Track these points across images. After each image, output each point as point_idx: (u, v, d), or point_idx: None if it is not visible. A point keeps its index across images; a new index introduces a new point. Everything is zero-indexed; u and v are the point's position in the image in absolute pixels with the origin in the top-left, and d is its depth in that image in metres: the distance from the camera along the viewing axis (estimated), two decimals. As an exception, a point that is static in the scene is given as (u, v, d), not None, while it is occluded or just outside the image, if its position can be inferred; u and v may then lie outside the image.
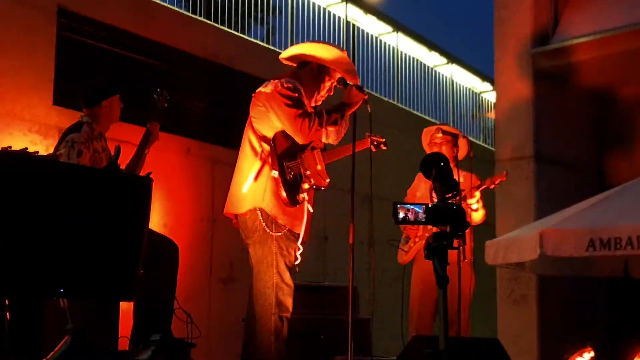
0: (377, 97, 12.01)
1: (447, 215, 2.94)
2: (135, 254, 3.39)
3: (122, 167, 5.08)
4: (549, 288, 8.73)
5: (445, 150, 5.85)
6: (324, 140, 4.56)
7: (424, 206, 3.00)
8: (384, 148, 4.99)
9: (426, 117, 13.11)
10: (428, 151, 5.99)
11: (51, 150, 6.52)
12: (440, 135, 5.88)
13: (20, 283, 3.15)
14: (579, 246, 6.73)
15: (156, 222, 7.56)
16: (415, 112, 13.03)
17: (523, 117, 9.19)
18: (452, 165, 5.85)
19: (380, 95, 12.40)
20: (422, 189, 5.94)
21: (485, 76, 15.32)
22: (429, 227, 5.54)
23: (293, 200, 4.36)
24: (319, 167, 4.49)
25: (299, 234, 4.40)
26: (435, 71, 14.37)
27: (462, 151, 5.96)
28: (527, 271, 8.37)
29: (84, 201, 3.20)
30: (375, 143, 4.92)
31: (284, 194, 4.33)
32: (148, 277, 4.75)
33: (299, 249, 4.43)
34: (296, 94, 4.40)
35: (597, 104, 9.96)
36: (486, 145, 14.48)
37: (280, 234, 4.34)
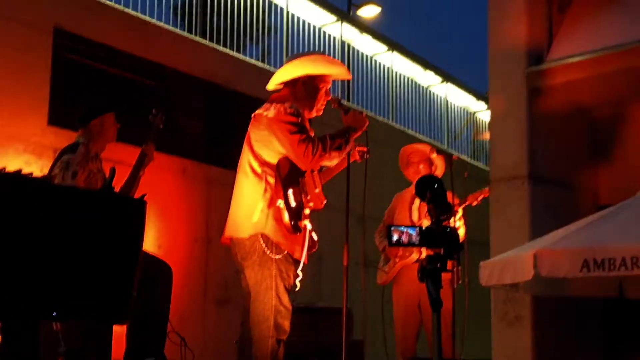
0: (371, 117, 12.04)
1: (441, 238, 2.94)
2: (128, 276, 3.38)
3: (117, 188, 5.09)
4: (544, 309, 8.70)
5: (422, 169, 5.89)
6: (327, 164, 4.55)
7: (417, 228, 3.01)
8: (368, 157, 4.93)
9: (421, 137, 13.13)
10: (405, 170, 6.03)
11: (46, 171, 6.51)
12: (417, 159, 5.92)
13: (12, 305, 3.14)
14: (573, 267, 6.70)
15: (151, 242, 7.55)
16: (409, 131, 13.06)
17: (517, 137, 9.18)
18: None
19: (375, 115, 12.44)
20: (400, 210, 5.96)
21: (480, 95, 15.39)
22: (410, 247, 5.60)
23: (296, 227, 4.35)
24: (317, 190, 4.48)
25: (298, 260, 4.39)
26: (430, 91, 14.43)
27: (440, 168, 5.99)
28: (522, 292, 8.34)
29: (77, 223, 3.20)
30: (360, 153, 4.89)
31: (287, 221, 4.32)
32: (142, 299, 4.73)
33: (298, 275, 4.41)
34: (299, 119, 4.39)
35: (593, 122, 9.97)
36: (480, 165, 14.51)
37: (280, 256, 4.32)
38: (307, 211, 4.41)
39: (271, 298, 4.31)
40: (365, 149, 4.91)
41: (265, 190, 4.34)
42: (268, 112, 4.42)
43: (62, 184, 4.72)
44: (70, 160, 4.85)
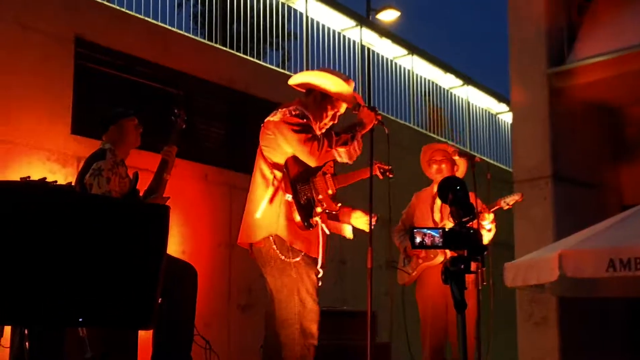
0: (393, 120, 12.04)
1: (464, 240, 2.93)
2: (153, 281, 3.40)
3: (141, 193, 5.13)
4: (570, 309, 8.66)
5: (445, 168, 5.86)
6: (338, 159, 4.54)
7: (440, 230, 3.00)
8: (391, 176, 4.92)
9: (442, 139, 13.10)
10: (427, 169, 5.98)
11: (70, 179, 6.58)
12: (440, 158, 5.88)
13: (39, 312, 3.17)
14: (598, 267, 6.67)
15: (174, 248, 7.59)
16: (431, 134, 13.04)
17: (540, 137, 9.16)
18: None
19: (396, 118, 12.43)
20: (421, 209, 5.91)
21: (502, 97, 15.33)
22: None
23: (307, 223, 4.33)
24: (330, 192, 4.47)
25: (316, 258, 4.38)
26: (451, 93, 14.39)
27: (462, 168, 5.95)
28: (547, 293, 8.30)
29: (102, 230, 3.22)
30: (382, 170, 4.88)
31: (297, 218, 4.30)
32: (167, 304, 4.76)
33: (318, 272, 4.39)
34: (304, 120, 4.41)
35: (615, 122, 9.92)
36: (503, 166, 14.45)
37: (297, 259, 4.30)
38: (318, 209, 4.39)
39: (295, 305, 4.28)
40: (387, 167, 4.89)
41: (273, 186, 4.36)
42: (274, 117, 4.46)
43: (99, 191, 4.74)
44: (102, 166, 4.89)
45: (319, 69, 4.72)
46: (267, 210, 4.34)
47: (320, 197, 4.40)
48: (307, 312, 4.30)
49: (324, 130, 4.58)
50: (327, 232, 4.47)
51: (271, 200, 4.33)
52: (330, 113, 4.60)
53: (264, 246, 4.35)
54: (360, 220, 4.64)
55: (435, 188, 5.93)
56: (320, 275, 4.40)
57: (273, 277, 4.37)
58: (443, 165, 5.87)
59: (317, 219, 4.38)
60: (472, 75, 15.08)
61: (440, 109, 12.96)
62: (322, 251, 4.39)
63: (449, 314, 5.67)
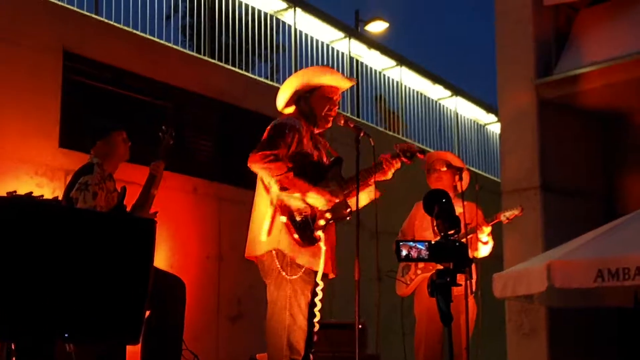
0: (381, 131, 12.06)
1: (450, 252, 2.94)
2: (140, 295, 3.39)
3: (128, 208, 5.11)
4: (559, 320, 8.67)
5: (445, 178, 5.84)
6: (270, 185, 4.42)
7: (426, 243, 3.00)
8: (422, 156, 4.81)
9: (432, 150, 13.13)
10: (428, 177, 5.97)
11: (58, 193, 6.56)
12: (444, 169, 5.86)
13: (25, 326, 3.16)
14: (587, 277, 6.69)
15: (163, 261, 7.57)
16: (420, 146, 13.06)
17: (529, 148, 9.19)
18: (451, 195, 5.88)
19: (384, 130, 12.45)
20: (420, 219, 5.86)
21: (490, 107, 15.38)
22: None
23: (308, 240, 4.32)
24: (337, 201, 4.42)
25: (316, 272, 4.37)
26: (440, 104, 14.43)
27: (465, 183, 5.94)
28: (536, 303, 8.32)
29: (88, 245, 3.21)
30: (409, 154, 4.72)
31: (296, 236, 4.31)
32: (155, 317, 4.75)
33: (317, 294, 4.40)
34: (279, 130, 4.39)
35: (604, 132, 9.96)
36: (491, 176, 14.48)
37: (296, 276, 4.31)
38: (321, 222, 4.36)
39: (285, 319, 4.30)
40: (414, 148, 4.77)
41: (271, 206, 4.36)
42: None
43: (84, 206, 4.73)
44: (89, 180, 4.87)
45: (285, 81, 4.69)
46: (270, 229, 4.34)
47: (322, 208, 4.37)
48: (297, 328, 4.31)
49: (330, 124, 4.56)
50: (323, 247, 4.40)
51: (272, 219, 4.33)
52: (326, 97, 4.56)
53: (267, 259, 4.37)
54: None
55: None
56: (320, 288, 4.40)
57: (270, 290, 4.40)
58: (443, 175, 5.86)
59: (320, 232, 4.35)
60: (461, 86, 15.14)
61: (394, 112, 12.90)
62: (324, 263, 4.36)
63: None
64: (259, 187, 4.48)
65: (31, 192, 3.51)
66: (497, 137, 14.49)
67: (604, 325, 8.93)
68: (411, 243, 3.00)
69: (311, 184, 4.35)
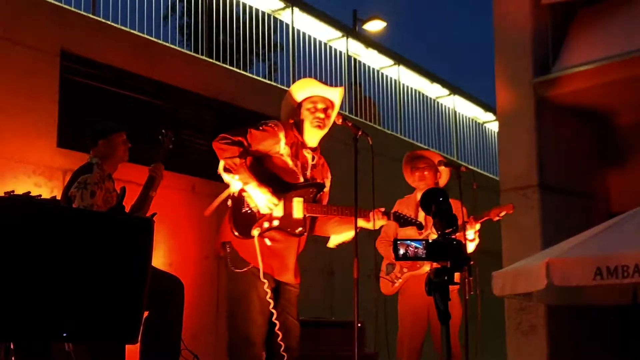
0: (379, 130, 12.06)
1: (447, 251, 2.94)
2: (138, 295, 3.39)
3: (127, 208, 5.11)
4: (558, 317, 8.67)
5: (427, 175, 5.84)
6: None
7: (424, 242, 3.00)
8: (420, 233, 4.93)
9: (430, 149, 13.13)
10: (409, 176, 5.95)
11: (56, 192, 6.56)
12: (422, 165, 5.86)
13: (24, 326, 3.15)
14: (586, 275, 6.69)
15: (161, 260, 7.57)
16: (418, 144, 13.06)
17: (526, 146, 9.19)
18: None
19: (383, 128, 12.45)
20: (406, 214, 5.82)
21: (488, 106, 15.39)
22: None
23: (240, 230, 4.35)
24: (295, 215, 4.45)
25: (258, 269, 4.35)
26: (438, 102, 14.43)
27: (445, 176, 5.94)
28: (535, 301, 8.32)
29: (86, 244, 3.21)
30: (402, 221, 4.74)
31: (231, 223, 4.37)
32: (154, 317, 4.75)
33: (264, 283, 4.34)
34: (249, 124, 4.48)
35: (601, 130, 9.97)
36: (490, 175, 14.49)
37: (245, 269, 4.34)
38: (265, 224, 4.38)
39: (241, 312, 4.34)
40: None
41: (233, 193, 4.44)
42: None
43: (82, 204, 4.73)
44: (88, 179, 4.88)
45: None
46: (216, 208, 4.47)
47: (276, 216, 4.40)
48: (246, 320, 4.33)
49: (316, 126, 4.57)
50: (269, 243, 4.41)
51: (226, 205, 4.45)
52: (311, 113, 4.60)
53: (221, 251, 4.47)
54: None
55: (418, 195, 5.91)
56: (265, 287, 4.35)
57: (227, 281, 4.46)
58: (426, 173, 5.85)
59: (256, 231, 4.35)
60: (459, 84, 15.14)
61: (370, 98, 12.84)
62: (261, 263, 4.34)
63: (432, 324, 5.65)
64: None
65: (29, 192, 3.51)
66: (496, 135, 14.50)
67: (602, 323, 8.94)
68: (408, 242, 3.00)
69: (258, 179, 4.37)
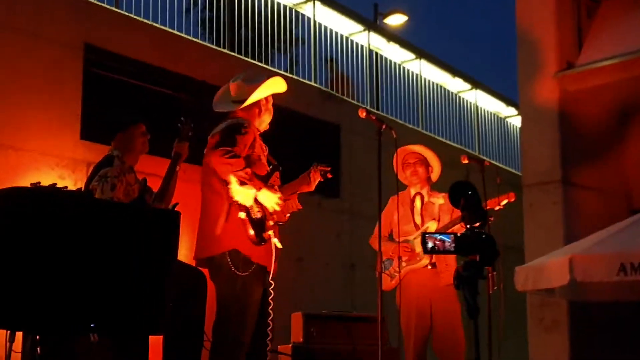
0: (401, 124, 12.01)
1: (476, 245, 2.92)
2: (163, 287, 3.40)
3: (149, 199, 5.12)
4: (581, 313, 8.61)
5: (420, 171, 5.79)
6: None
7: (452, 235, 2.98)
8: (330, 176, 4.94)
9: (451, 143, 13.07)
10: (400, 172, 5.87)
11: (79, 185, 6.59)
12: (414, 160, 5.83)
13: (51, 318, 3.16)
14: (609, 271, 6.64)
15: (185, 254, 7.55)
16: (440, 138, 13.00)
17: (549, 141, 9.12)
18: (426, 187, 5.84)
19: (404, 122, 12.40)
20: (401, 213, 5.71)
21: (510, 100, 15.31)
22: (417, 250, 5.56)
23: (260, 238, 4.44)
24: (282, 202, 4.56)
25: (269, 271, 4.51)
26: (460, 97, 14.37)
27: (437, 170, 5.88)
28: (558, 297, 8.26)
29: (112, 236, 3.22)
30: (322, 172, 4.86)
31: (252, 232, 4.41)
32: (177, 310, 4.75)
33: (270, 284, 4.51)
34: (233, 132, 4.60)
35: (624, 126, 9.88)
36: (512, 170, 14.40)
37: (247, 273, 4.42)
38: (270, 223, 4.50)
39: (233, 313, 4.45)
40: (327, 168, 4.87)
41: (227, 201, 4.48)
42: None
43: (102, 196, 4.75)
44: (108, 173, 4.90)
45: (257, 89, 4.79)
46: (225, 225, 4.45)
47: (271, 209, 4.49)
48: (240, 322, 4.44)
49: (263, 126, 4.73)
50: (280, 246, 4.55)
51: (227, 215, 4.46)
52: (263, 107, 4.78)
53: (219, 259, 4.50)
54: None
55: (412, 191, 5.88)
56: (272, 287, 4.52)
57: (221, 287, 4.54)
58: (418, 168, 5.79)
59: (270, 232, 4.48)
60: (481, 78, 15.07)
61: (345, 74, 12.66)
62: (274, 263, 4.51)
63: (433, 318, 5.61)
64: (206, 191, 4.64)
65: (55, 184, 3.52)
66: (518, 130, 14.42)
67: (626, 320, 8.87)
68: (437, 235, 2.98)
69: (264, 183, 4.49)
